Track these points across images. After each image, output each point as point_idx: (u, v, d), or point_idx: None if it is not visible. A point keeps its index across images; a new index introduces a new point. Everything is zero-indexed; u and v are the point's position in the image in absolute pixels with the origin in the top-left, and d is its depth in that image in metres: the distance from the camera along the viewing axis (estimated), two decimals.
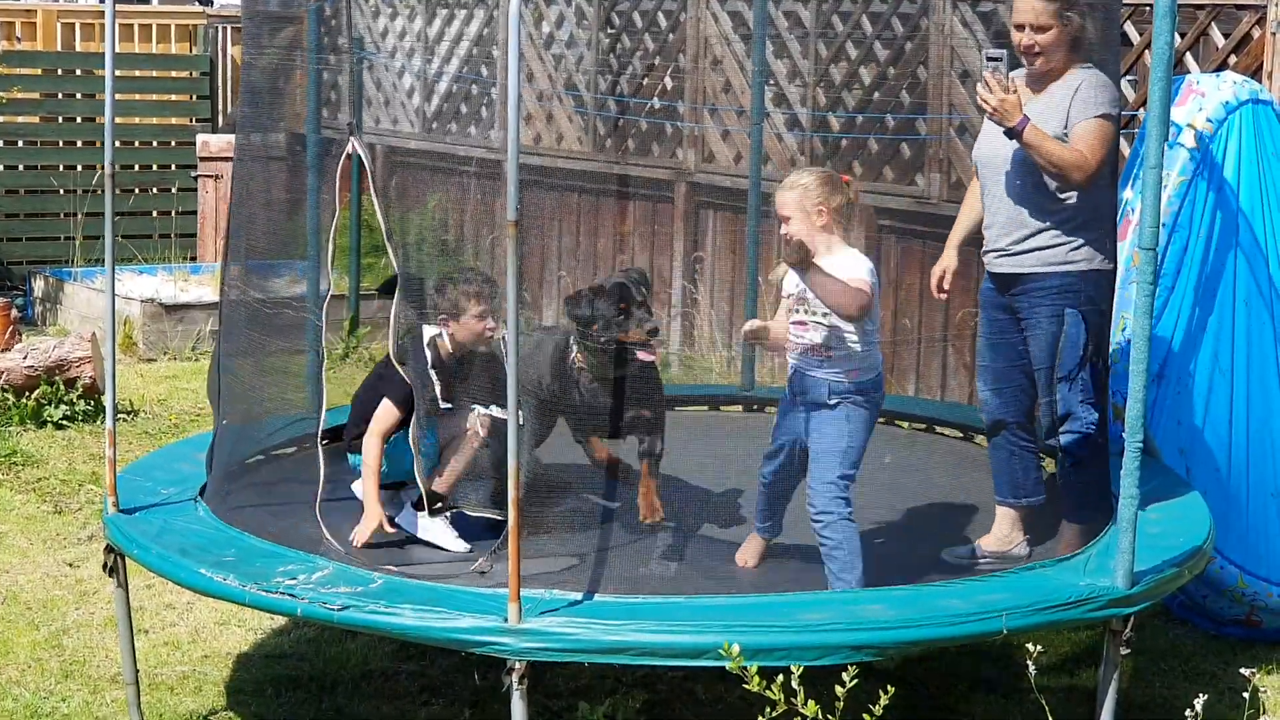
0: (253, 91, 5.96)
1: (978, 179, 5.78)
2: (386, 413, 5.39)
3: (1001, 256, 5.61)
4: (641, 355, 5.43)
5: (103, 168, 5.34)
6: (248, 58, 5.89)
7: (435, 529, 5.38)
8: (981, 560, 5.56)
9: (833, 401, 5.15)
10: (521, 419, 4.56)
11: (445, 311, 5.46)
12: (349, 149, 5.30)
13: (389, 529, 5.32)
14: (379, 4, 12.88)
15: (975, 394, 6.14)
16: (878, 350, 5.22)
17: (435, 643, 4.75)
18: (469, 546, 5.34)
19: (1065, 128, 5.43)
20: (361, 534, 5.30)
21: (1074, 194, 5.45)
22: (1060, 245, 5.49)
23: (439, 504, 5.33)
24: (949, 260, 5.92)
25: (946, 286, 5.92)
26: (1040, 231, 5.50)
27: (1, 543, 7.32)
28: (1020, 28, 5.49)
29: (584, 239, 11.27)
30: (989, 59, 5.41)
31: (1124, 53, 7.45)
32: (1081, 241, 5.48)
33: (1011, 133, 5.37)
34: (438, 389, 5.32)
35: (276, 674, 5.92)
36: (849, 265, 5.10)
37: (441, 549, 5.36)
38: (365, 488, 5.38)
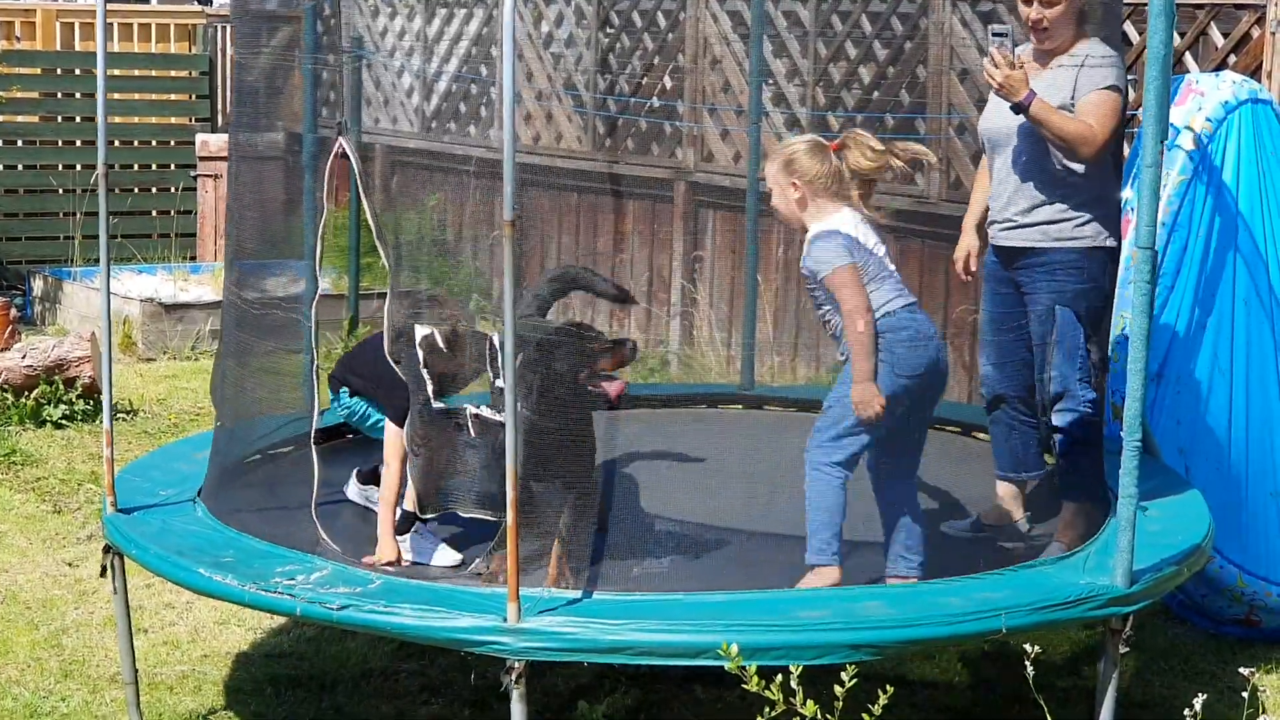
0: (246, 91, 5.96)
1: (985, 156, 5.78)
2: (397, 437, 5.37)
3: (1007, 229, 5.60)
4: (606, 387, 5.02)
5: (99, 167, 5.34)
6: (241, 57, 5.88)
7: (422, 548, 5.38)
8: (981, 533, 5.55)
9: (842, 357, 5.15)
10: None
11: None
12: (336, 148, 5.28)
13: (403, 563, 5.31)
14: (378, 3, 12.88)
15: (974, 393, 6.14)
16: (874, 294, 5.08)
17: (434, 642, 4.74)
18: (460, 556, 5.33)
19: (1072, 99, 5.43)
20: (373, 561, 5.28)
21: (1080, 167, 5.44)
22: (1066, 220, 5.48)
23: (428, 511, 5.31)
24: (970, 241, 5.88)
25: (974, 267, 5.87)
26: (1046, 205, 5.50)
27: (1, 542, 7.32)
28: (1029, 2, 5.49)
29: (583, 238, 11.27)
30: (994, 34, 5.40)
31: (1124, 52, 7.44)
32: (1088, 217, 5.48)
33: (1018, 107, 5.37)
34: (430, 389, 5.30)
35: (276, 673, 5.92)
36: (826, 254, 5.06)
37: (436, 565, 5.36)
38: (382, 519, 5.35)
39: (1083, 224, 5.48)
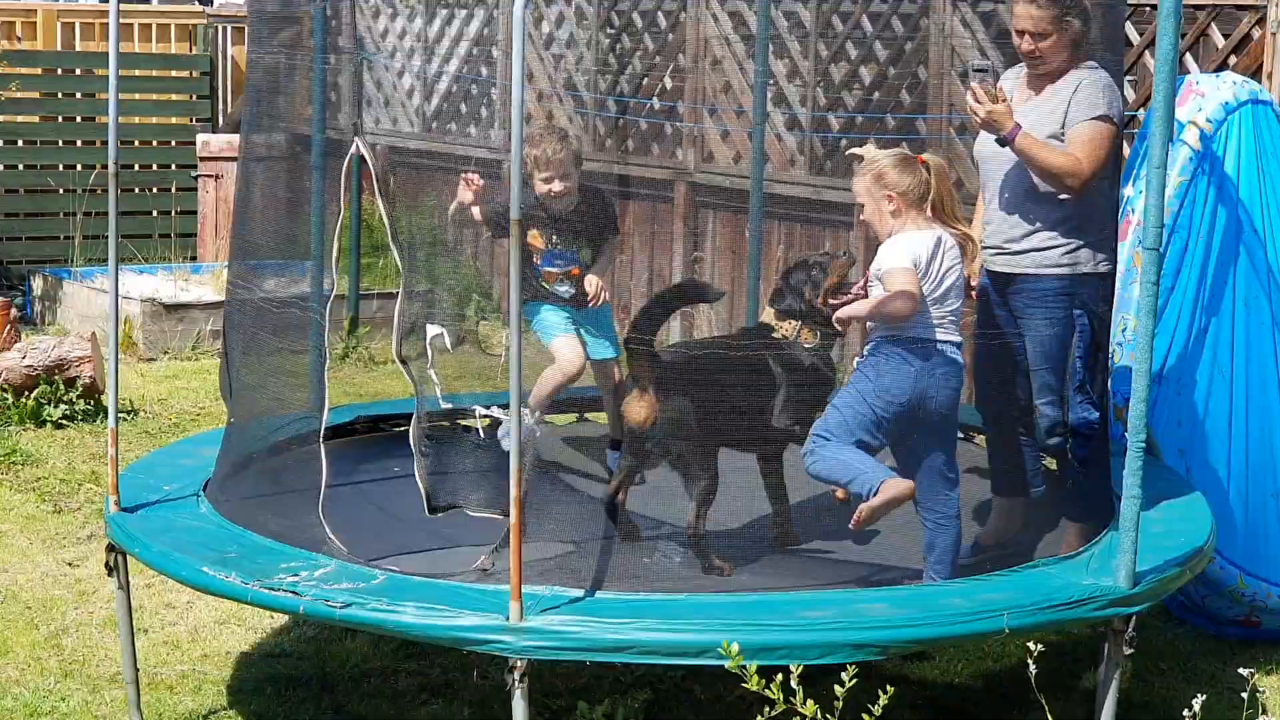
0: (257, 90, 5.96)
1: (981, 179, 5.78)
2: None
3: (999, 255, 5.60)
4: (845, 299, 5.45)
5: (104, 166, 5.34)
6: (252, 56, 5.89)
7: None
8: (982, 555, 5.55)
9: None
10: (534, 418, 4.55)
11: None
12: (353, 150, 5.29)
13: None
14: (379, 4, 12.88)
15: (974, 393, 6.14)
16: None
17: (437, 641, 4.74)
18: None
19: (1063, 129, 5.43)
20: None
21: (1070, 196, 5.44)
22: (1056, 248, 5.47)
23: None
24: (973, 264, 5.87)
25: (973, 284, 5.86)
26: (1036, 232, 5.50)
27: (1, 542, 7.32)
28: (1021, 34, 5.49)
29: None
30: (975, 70, 5.43)
31: (1124, 55, 7.45)
32: (1078, 244, 5.47)
33: (1003, 141, 5.38)
34: (438, 389, 5.30)
35: (276, 673, 5.92)
36: (890, 255, 5.12)
37: None
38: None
39: (1073, 250, 5.46)
